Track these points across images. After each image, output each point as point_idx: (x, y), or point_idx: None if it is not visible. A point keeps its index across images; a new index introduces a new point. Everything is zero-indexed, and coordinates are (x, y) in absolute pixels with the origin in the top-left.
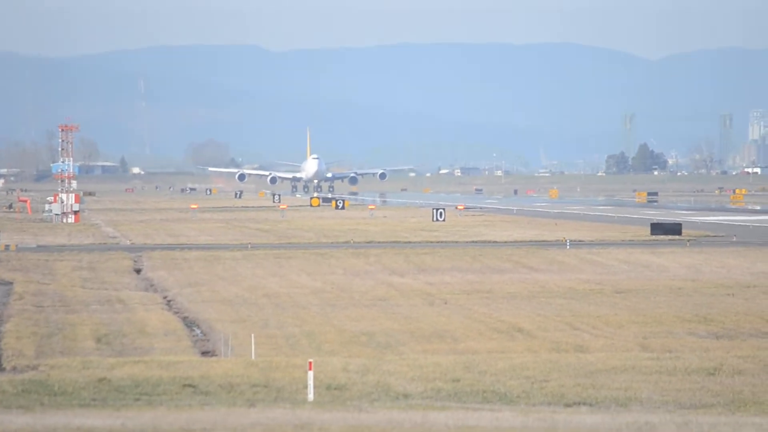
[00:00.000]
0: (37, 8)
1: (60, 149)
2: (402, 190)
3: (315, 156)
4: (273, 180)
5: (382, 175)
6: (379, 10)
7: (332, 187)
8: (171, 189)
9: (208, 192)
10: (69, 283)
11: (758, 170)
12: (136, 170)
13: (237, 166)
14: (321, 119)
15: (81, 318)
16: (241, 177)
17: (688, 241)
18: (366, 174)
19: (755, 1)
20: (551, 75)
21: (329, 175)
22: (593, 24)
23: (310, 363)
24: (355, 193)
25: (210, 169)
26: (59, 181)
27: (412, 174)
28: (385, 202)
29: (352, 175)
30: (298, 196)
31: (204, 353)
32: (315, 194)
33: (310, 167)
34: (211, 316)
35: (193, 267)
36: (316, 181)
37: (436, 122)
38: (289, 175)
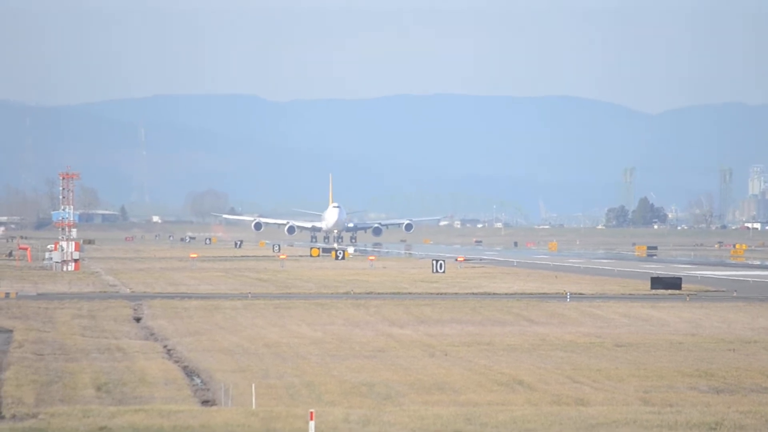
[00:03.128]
0: (38, 56)
1: (61, 197)
2: (402, 241)
3: (336, 204)
4: (291, 229)
5: (408, 226)
6: (378, 61)
7: (354, 237)
8: (171, 238)
9: (208, 241)
10: (69, 331)
11: (758, 225)
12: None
13: (236, 215)
14: (319, 169)
15: (81, 366)
16: (258, 226)
17: (688, 295)
18: (391, 224)
19: (756, 56)
20: (552, 128)
21: (351, 224)
22: (594, 77)
23: (311, 413)
24: (378, 244)
25: (225, 216)
26: (59, 229)
27: (444, 223)
28: (410, 254)
29: (376, 225)
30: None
31: (204, 402)
32: (336, 245)
33: (330, 216)
34: (211, 365)
35: (193, 316)
36: (336, 231)
37: (436, 173)
38: (308, 225)
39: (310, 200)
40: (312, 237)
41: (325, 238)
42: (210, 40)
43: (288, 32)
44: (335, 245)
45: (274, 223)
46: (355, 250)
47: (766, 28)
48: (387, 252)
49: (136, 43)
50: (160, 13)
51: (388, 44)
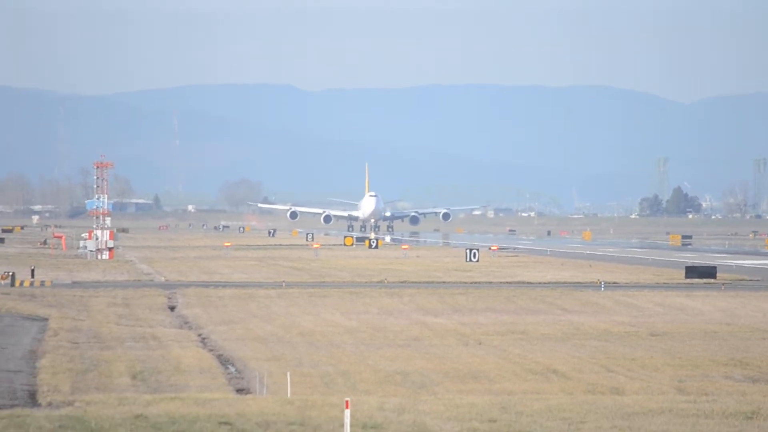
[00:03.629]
0: (72, 46)
1: (95, 186)
2: (435, 230)
3: (372, 193)
4: (327, 219)
5: (446, 215)
6: (412, 52)
7: (391, 227)
8: (204, 226)
9: (242, 230)
10: (104, 319)
11: None
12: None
13: (269, 204)
14: (352, 158)
15: (116, 354)
16: (293, 215)
17: (723, 284)
18: (428, 213)
19: None
20: (585, 117)
21: (387, 213)
22: (627, 67)
23: (347, 402)
24: (416, 233)
25: (260, 205)
26: (94, 218)
27: (477, 212)
28: (448, 243)
29: (413, 214)
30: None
31: (239, 391)
32: (372, 234)
33: (367, 205)
34: (245, 353)
35: (227, 304)
36: (373, 220)
37: (468, 163)
38: (345, 214)
39: (344, 190)
40: (348, 226)
41: (361, 227)
42: (244, 29)
43: (320, 21)
44: (371, 234)
45: (310, 212)
46: (391, 239)
47: None
48: (424, 241)
49: (170, 32)
50: (195, 2)
51: (420, 33)
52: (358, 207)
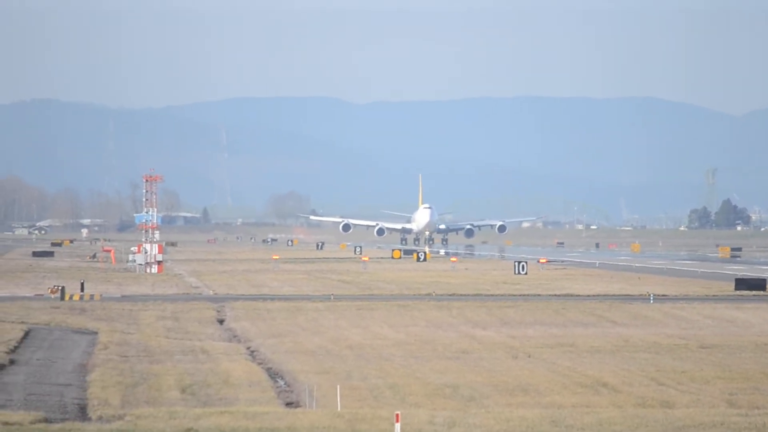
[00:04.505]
0: (121, 59)
1: (144, 200)
2: (483, 242)
3: (427, 205)
4: (380, 231)
5: (501, 228)
6: (460, 63)
7: (446, 240)
8: (252, 240)
9: (290, 243)
10: (153, 332)
11: None
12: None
13: (319, 217)
14: (399, 172)
15: (165, 368)
16: (346, 227)
17: None
18: (483, 226)
19: None
20: (633, 129)
21: (442, 226)
22: (677, 79)
23: (397, 415)
24: (471, 246)
25: (312, 218)
26: (142, 232)
27: (540, 226)
28: (504, 256)
29: (468, 227)
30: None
31: (288, 404)
32: (427, 248)
33: (421, 218)
34: (294, 367)
35: (276, 318)
36: (428, 232)
37: (516, 175)
38: (398, 226)
39: (392, 202)
40: (402, 239)
41: (415, 240)
42: (292, 42)
43: (368, 34)
44: (426, 248)
45: (363, 225)
46: (446, 253)
47: None
48: (479, 255)
49: (218, 45)
50: (243, 15)
51: (471, 45)
52: (412, 219)
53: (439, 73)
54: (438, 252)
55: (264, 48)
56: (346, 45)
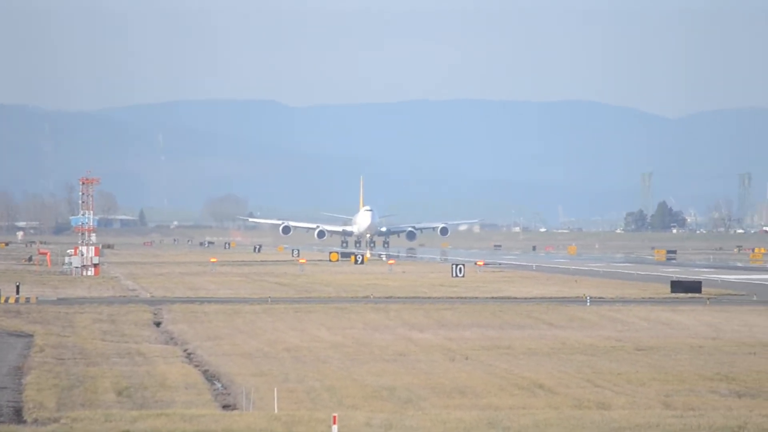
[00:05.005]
0: (57, 62)
1: (80, 202)
2: (420, 245)
3: (368, 208)
4: (321, 234)
5: (443, 230)
6: (397, 67)
7: (387, 242)
8: (189, 242)
9: (227, 246)
10: (89, 335)
11: None
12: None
13: (258, 219)
14: (338, 174)
15: (102, 371)
16: (286, 230)
17: (708, 299)
18: (425, 228)
19: None
20: (570, 132)
21: (383, 229)
22: (612, 82)
23: (335, 417)
24: (412, 249)
25: (251, 220)
26: (79, 234)
27: (477, 230)
28: (446, 260)
29: (410, 229)
30: (356, 251)
31: (225, 407)
32: (367, 251)
33: (362, 220)
34: (231, 369)
35: (213, 320)
36: (369, 235)
37: (455, 178)
38: (339, 229)
39: (329, 205)
40: (343, 241)
41: (356, 242)
42: (228, 44)
43: (305, 37)
44: (367, 251)
45: (304, 227)
46: (387, 255)
47: None
48: (421, 257)
49: (154, 47)
50: (176, 18)
51: (406, 48)
52: (353, 222)
53: (378, 76)
54: (380, 256)
55: (200, 50)
56: (283, 47)
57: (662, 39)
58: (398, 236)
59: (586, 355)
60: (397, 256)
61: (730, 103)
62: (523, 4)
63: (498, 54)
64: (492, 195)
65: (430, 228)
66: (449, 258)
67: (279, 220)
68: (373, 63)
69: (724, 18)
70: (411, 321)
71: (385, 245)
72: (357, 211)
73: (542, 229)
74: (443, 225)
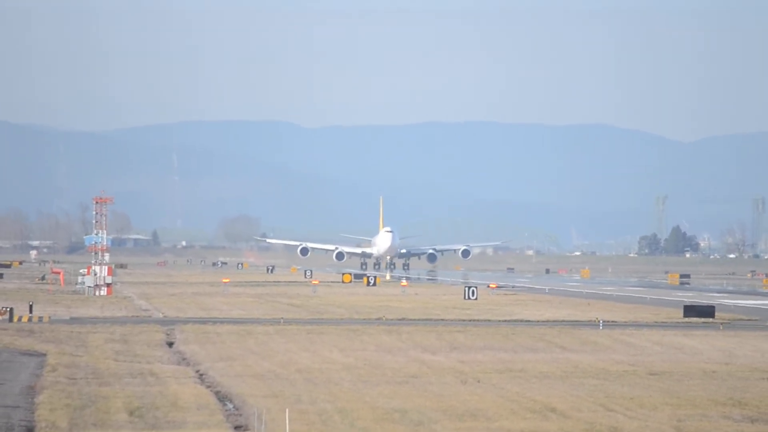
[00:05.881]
0: (72, 82)
1: (94, 222)
2: (431, 269)
3: (388, 229)
4: (339, 255)
5: (465, 252)
6: (411, 89)
7: (407, 264)
8: (202, 263)
9: (240, 266)
10: (102, 355)
11: None
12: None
13: (276, 240)
14: (352, 195)
15: (114, 391)
16: (304, 251)
17: (722, 324)
18: (446, 250)
19: None
20: (584, 156)
21: (403, 251)
22: (627, 106)
23: None
24: (433, 272)
25: (270, 241)
26: (92, 254)
27: (490, 252)
28: (467, 282)
29: (431, 251)
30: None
31: (237, 428)
32: (388, 273)
33: (382, 242)
34: (243, 390)
35: (226, 341)
36: (389, 257)
37: (468, 200)
38: (358, 251)
39: (343, 226)
40: (362, 264)
41: (375, 264)
42: (244, 66)
43: (321, 59)
44: (387, 274)
45: (322, 249)
46: (407, 279)
47: None
48: (441, 280)
49: (169, 68)
50: (194, 40)
51: (418, 70)
52: (373, 243)
53: (391, 99)
54: (401, 279)
55: (216, 71)
56: (299, 69)
57: (675, 63)
58: (419, 258)
59: (598, 379)
60: (418, 279)
61: (743, 127)
62: (536, 27)
63: (511, 77)
64: (505, 217)
65: (451, 250)
66: (470, 281)
67: (296, 241)
68: (385, 85)
69: (737, 43)
70: (423, 343)
71: (405, 267)
72: (375, 232)
73: (554, 250)
74: (465, 247)
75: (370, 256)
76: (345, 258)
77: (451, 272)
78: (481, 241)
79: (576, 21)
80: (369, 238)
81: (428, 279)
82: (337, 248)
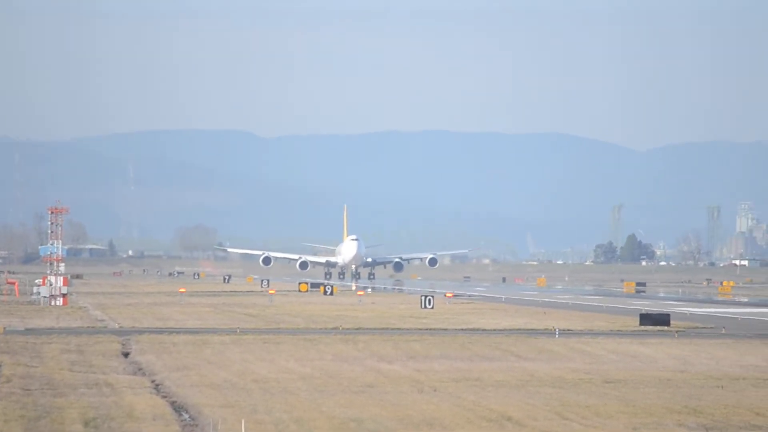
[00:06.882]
0: (26, 91)
1: (49, 232)
2: (389, 276)
3: (354, 237)
4: (303, 265)
5: (432, 261)
6: (369, 98)
7: (373, 273)
8: (159, 272)
9: (196, 276)
10: (57, 366)
11: (746, 262)
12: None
13: (223, 250)
14: (308, 205)
15: (69, 401)
16: (266, 260)
17: (677, 332)
18: (412, 259)
19: (743, 94)
20: (540, 164)
21: (369, 259)
22: (582, 115)
23: None
24: (400, 281)
25: (230, 250)
26: (47, 264)
27: (447, 261)
28: (434, 291)
29: (397, 260)
30: (337, 283)
31: None
32: (353, 283)
33: (347, 250)
34: (199, 400)
35: (182, 351)
36: (354, 266)
37: (425, 210)
38: (323, 260)
39: (305, 235)
40: (326, 273)
41: (340, 274)
42: (199, 76)
43: (277, 68)
44: (353, 283)
45: (285, 258)
46: (373, 290)
47: (754, 66)
48: (409, 290)
49: (125, 78)
50: (149, 48)
51: (378, 80)
52: (338, 252)
53: (348, 108)
54: (367, 289)
55: (172, 81)
56: (255, 78)
57: (629, 72)
58: (384, 267)
59: (554, 387)
60: (384, 289)
61: (699, 136)
62: (495, 37)
63: (466, 87)
64: (461, 226)
65: (417, 258)
66: (437, 290)
67: (258, 250)
68: (343, 94)
69: (689, 52)
70: (380, 352)
71: (371, 277)
72: (337, 241)
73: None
74: (432, 255)
75: (335, 265)
76: (309, 267)
77: (408, 281)
78: (439, 249)
79: (532, 30)
80: (332, 247)
81: (394, 288)
82: (300, 257)
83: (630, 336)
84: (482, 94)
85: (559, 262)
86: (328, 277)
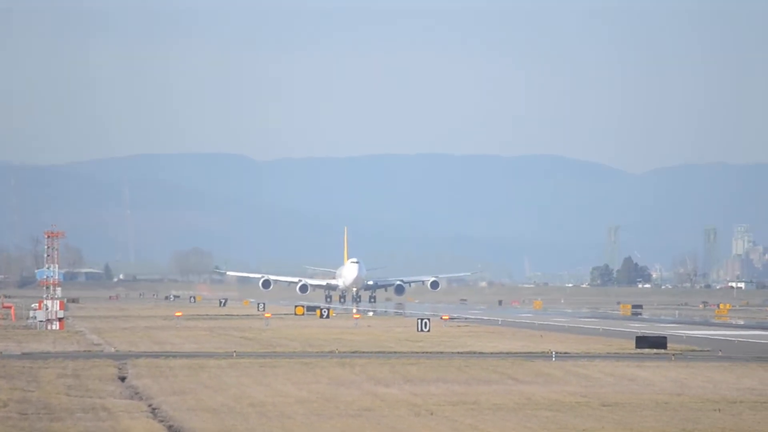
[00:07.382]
0: (23, 115)
1: (45, 255)
2: (387, 299)
3: (355, 260)
4: (303, 288)
5: (434, 284)
6: (363, 121)
7: (374, 296)
8: (155, 296)
9: (192, 300)
10: (53, 390)
11: (742, 285)
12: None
13: (221, 273)
14: (306, 229)
15: (65, 426)
16: (266, 284)
17: (674, 355)
18: (415, 282)
19: (739, 116)
20: (537, 187)
21: (370, 282)
22: (579, 137)
23: None
24: (401, 305)
25: (229, 273)
26: (44, 288)
27: (444, 284)
28: (436, 314)
29: (398, 283)
30: (335, 307)
31: None
32: (354, 306)
33: (348, 273)
34: (196, 424)
35: (178, 375)
36: (355, 289)
37: (421, 233)
38: (323, 282)
39: (304, 259)
40: (326, 296)
41: (341, 297)
42: (195, 100)
43: (272, 92)
44: (353, 307)
45: (285, 281)
46: (374, 313)
47: (748, 89)
48: (411, 313)
49: (120, 102)
50: (146, 72)
51: (374, 103)
52: (338, 275)
53: (343, 131)
54: (368, 312)
55: (169, 104)
56: (252, 102)
57: (624, 95)
58: (385, 290)
59: (551, 410)
60: (385, 312)
61: (696, 158)
62: (485, 58)
63: (462, 109)
64: (458, 249)
65: (419, 281)
66: (427, 313)
67: (257, 274)
68: (338, 117)
69: (686, 75)
70: (376, 376)
71: (372, 300)
72: (337, 264)
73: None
74: (434, 278)
75: (335, 288)
76: (309, 290)
77: (407, 304)
78: (435, 272)
79: (527, 54)
80: (333, 270)
81: (395, 312)
82: (300, 280)
83: (627, 359)
84: (478, 117)
85: (555, 285)
86: (328, 300)
